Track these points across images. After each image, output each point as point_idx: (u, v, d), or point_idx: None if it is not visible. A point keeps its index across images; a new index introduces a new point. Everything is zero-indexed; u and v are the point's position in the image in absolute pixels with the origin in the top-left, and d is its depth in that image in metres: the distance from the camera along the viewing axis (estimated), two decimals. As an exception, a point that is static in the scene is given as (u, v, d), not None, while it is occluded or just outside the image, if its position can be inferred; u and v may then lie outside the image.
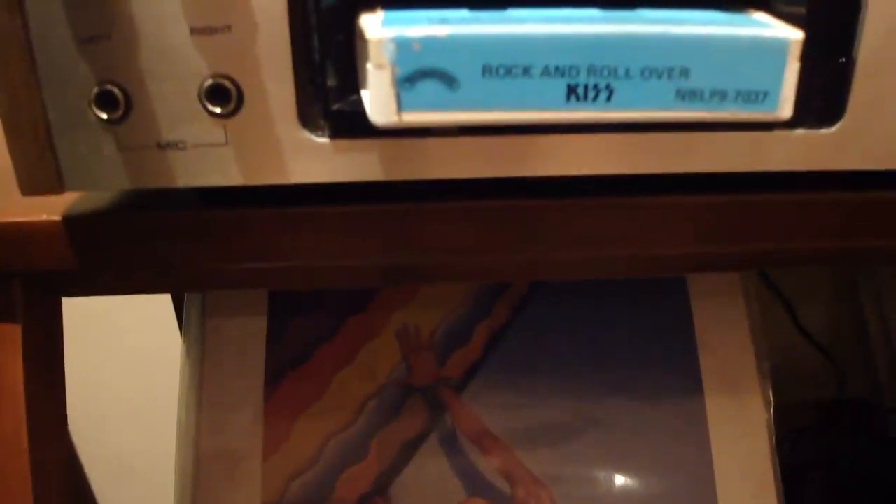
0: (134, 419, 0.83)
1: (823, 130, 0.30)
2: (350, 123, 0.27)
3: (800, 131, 0.30)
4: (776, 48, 0.24)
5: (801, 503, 0.73)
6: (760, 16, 0.27)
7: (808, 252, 0.39)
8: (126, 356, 0.83)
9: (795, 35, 0.24)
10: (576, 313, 0.57)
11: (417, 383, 0.55)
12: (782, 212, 0.34)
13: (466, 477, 0.54)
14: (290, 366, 0.55)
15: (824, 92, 0.30)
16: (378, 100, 0.23)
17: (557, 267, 0.39)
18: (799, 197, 0.34)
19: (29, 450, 0.35)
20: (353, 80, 0.27)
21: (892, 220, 0.35)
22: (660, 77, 0.23)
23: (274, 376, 0.55)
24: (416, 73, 0.22)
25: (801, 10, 0.28)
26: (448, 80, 0.23)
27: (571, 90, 0.23)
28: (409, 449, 0.54)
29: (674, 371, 0.57)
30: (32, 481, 0.35)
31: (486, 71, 0.23)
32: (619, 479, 0.55)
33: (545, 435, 0.55)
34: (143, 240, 0.32)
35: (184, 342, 0.56)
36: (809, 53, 0.28)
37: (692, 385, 0.56)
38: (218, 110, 0.27)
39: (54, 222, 0.31)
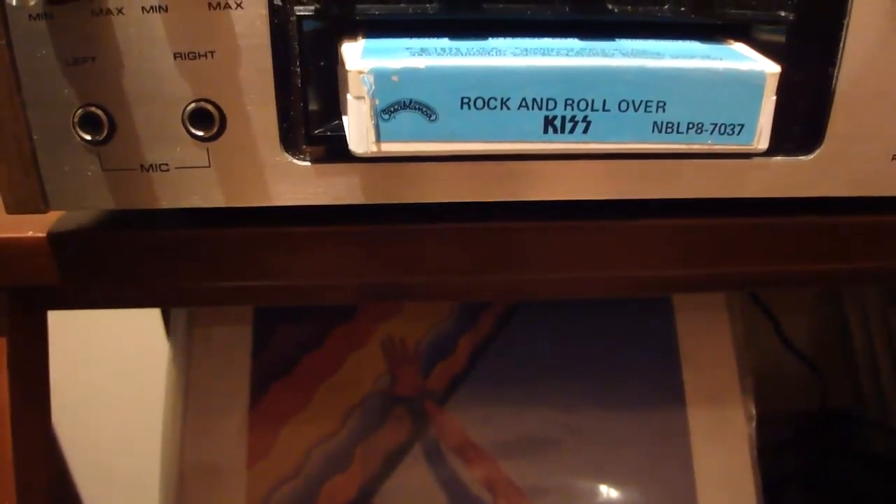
0: (120, 424, 0.83)
1: (802, 158, 0.31)
2: (332, 148, 0.27)
3: (778, 158, 0.30)
4: (752, 82, 0.24)
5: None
6: (739, 46, 0.27)
7: (789, 274, 0.39)
8: (113, 361, 0.82)
9: (772, 69, 0.24)
10: (560, 326, 0.57)
11: (402, 394, 0.55)
12: (764, 236, 0.34)
13: (449, 487, 0.54)
14: (275, 374, 0.55)
15: (803, 120, 0.30)
16: (357, 130, 0.23)
17: (541, 288, 0.39)
18: (780, 221, 0.34)
19: (14, 467, 0.35)
20: (334, 106, 0.27)
21: (870, 244, 0.35)
22: (636, 110, 0.23)
23: (259, 385, 0.55)
24: (394, 105, 0.23)
25: (781, 38, 0.29)
26: (427, 111, 0.23)
27: (549, 122, 0.23)
28: (393, 459, 0.54)
29: (657, 384, 0.57)
30: (17, 500, 0.35)
31: (465, 103, 0.23)
32: (602, 491, 0.55)
33: (528, 446, 0.55)
34: (128, 257, 0.32)
35: (170, 350, 0.56)
36: (789, 82, 0.29)
37: (675, 398, 0.57)
38: (201, 134, 0.27)
39: (39, 238, 0.31)
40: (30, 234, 0.32)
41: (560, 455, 0.55)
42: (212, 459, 0.54)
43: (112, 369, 0.82)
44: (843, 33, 0.29)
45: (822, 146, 0.30)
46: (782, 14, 0.28)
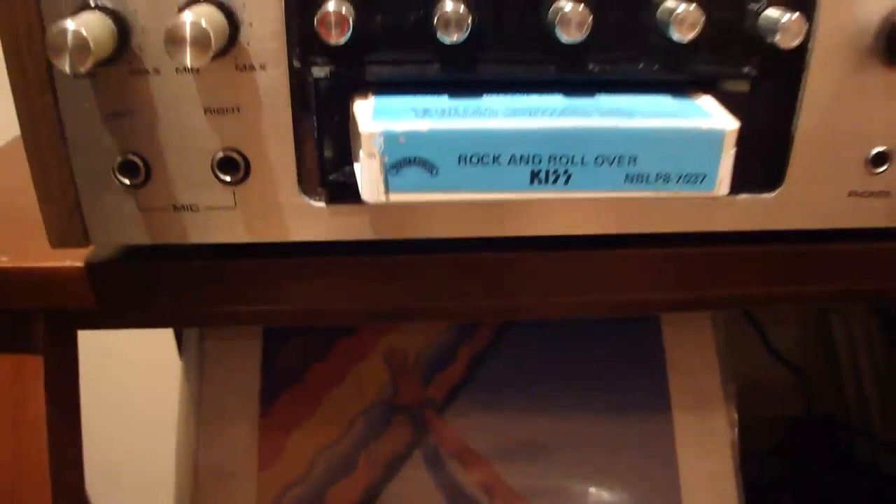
0: (131, 431, 0.87)
1: (765, 195, 0.34)
2: (344, 191, 0.31)
3: (743, 196, 0.34)
4: (713, 138, 0.28)
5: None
6: (705, 100, 0.31)
7: (761, 297, 0.43)
8: (123, 372, 0.86)
9: (731, 126, 0.28)
10: (553, 337, 0.61)
11: (403, 402, 0.59)
12: (739, 262, 0.38)
13: (448, 491, 0.58)
14: (283, 385, 0.59)
15: (765, 162, 0.34)
16: (368, 182, 0.27)
17: (529, 311, 0.43)
18: (751, 250, 0.37)
19: (50, 474, 0.38)
20: (346, 153, 0.31)
21: (832, 269, 0.39)
22: (611, 164, 0.27)
23: (268, 395, 0.58)
24: (401, 162, 0.26)
25: (745, 87, 0.33)
26: (429, 167, 0.27)
27: (534, 175, 0.27)
28: (395, 464, 0.58)
29: (644, 391, 0.61)
30: (52, 498, 0.39)
31: (462, 159, 0.27)
32: (592, 493, 0.59)
33: (523, 451, 0.59)
34: (155, 285, 0.36)
35: (183, 363, 0.60)
36: (752, 128, 0.33)
37: (661, 405, 0.61)
38: (228, 179, 0.31)
39: (78, 268, 0.35)
40: (68, 263, 0.35)
41: (553, 459, 0.59)
42: (224, 465, 0.57)
43: (122, 380, 0.86)
44: (802, 85, 0.33)
45: (784, 185, 0.34)
46: (746, 70, 0.32)
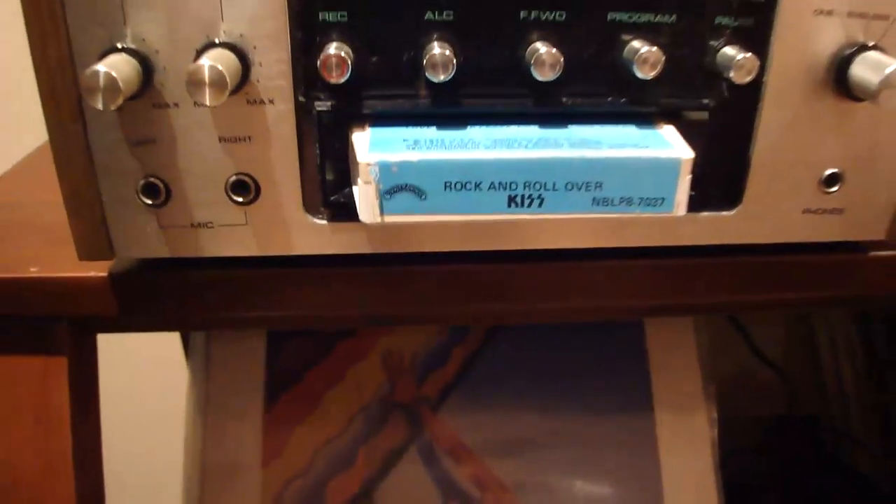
0: (138, 430, 0.91)
1: (725, 213, 0.38)
2: (344, 210, 0.35)
3: (705, 213, 0.38)
4: (670, 166, 0.32)
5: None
6: (667, 130, 0.35)
7: (729, 304, 0.47)
8: (130, 372, 0.90)
9: (687, 155, 0.32)
10: (541, 340, 0.65)
11: (399, 401, 0.63)
12: (708, 272, 0.42)
13: (442, 483, 0.62)
14: (286, 385, 0.63)
15: (725, 182, 0.38)
16: (365, 206, 0.31)
17: (522, 316, 0.47)
18: (720, 260, 0.41)
19: (73, 465, 0.42)
20: (346, 177, 0.34)
21: (789, 279, 0.42)
22: (579, 189, 0.31)
23: (271, 394, 0.62)
24: (394, 188, 0.30)
25: (704, 116, 0.36)
26: (419, 192, 0.30)
27: (511, 199, 0.31)
28: (392, 458, 0.62)
29: (628, 391, 0.65)
30: (76, 491, 0.43)
31: (447, 186, 0.30)
32: (577, 487, 0.63)
33: (513, 447, 0.63)
34: (171, 292, 0.39)
35: (190, 364, 0.64)
36: (711, 152, 0.37)
37: (644, 404, 0.65)
38: (240, 199, 0.35)
39: (101, 278, 0.39)
40: (92, 273, 0.39)
41: (541, 455, 0.63)
42: (230, 460, 0.61)
43: (129, 380, 0.90)
44: (758, 115, 0.37)
45: (742, 204, 0.38)
46: (705, 102, 0.36)
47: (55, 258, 0.40)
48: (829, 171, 0.38)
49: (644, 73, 0.32)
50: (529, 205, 0.31)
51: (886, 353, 0.78)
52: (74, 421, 0.43)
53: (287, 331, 0.63)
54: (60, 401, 0.43)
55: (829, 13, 0.35)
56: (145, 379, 0.93)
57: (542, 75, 0.32)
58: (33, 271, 0.40)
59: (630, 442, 0.64)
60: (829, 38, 0.36)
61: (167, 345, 0.85)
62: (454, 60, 0.31)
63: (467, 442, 0.63)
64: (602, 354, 0.65)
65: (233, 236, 0.36)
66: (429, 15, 0.32)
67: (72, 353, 0.43)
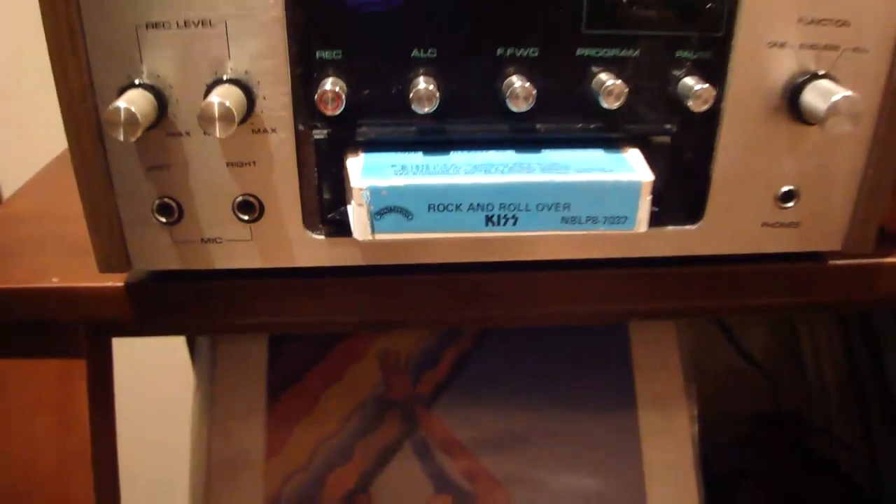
0: (146, 428, 0.95)
1: (688, 227, 0.42)
2: (340, 227, 0.39)
3: (670, 228, 0.42)
4: (632, 189, 0.36)
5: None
6: (632, 153, 0.39)
7: (697, 309, 0.51)
8: (137, 372, 0.94)
9: (647, 178, 0.36)
10: (529, 341, 0.69)
11: (394, 399, 0.67)
12: (675, 280, 0.46)
13: (435, 477, 0.66)
14: (287, 384, 0.67)
15: (688, 199, 0.42)
16: (358, 225, 0.35)
17: (508, 321, 0.51)
18: (685, 270, 0.45)
19: (92, 460, 0.46)
20: (341, 197, 0.38)
21: (750, 286, 0.46)
22: (549, 209, 0.35)
23: (274, 392, 0.67)
24: (384, 210, 0.34)
25: (667, 140, 0.40)
26: (405, 213, 0.34)
27: (489, 219, 0.35)
28: (388, 453, 0.66)
29: (613, 390, 0.69)
30: (94, 486, 0.47)
31: (431, 207, 0.34)
32: (564, 481, 0.67)
33: (502, 443, 0.67)
34: (180, 300, 0.43)
35: (196, 365, 0.68)
36: (674, 171, 0.40)
37: (628, 402, 0.69)
38: (245, 217, 0.39)
39: (118, 287, 0.43)
40: (109, 283, 0.43)
41: (529, 450, 0.67)
42: (234, 455, 0.66)
43: (137, 381, 0.94)
44: (717, 138, 0.40)
45: (704, 219, 0.42)
46: (668, 127, 0.40)
47: (75, 269, 0.44)
48: (784, 188, 0.42)
49: (609, 104, 0.36)
50: (505, 223, 0.35)
51: (863, 352, 0.82)
52: (92, 419, 0.47)
53: (287, 335, 0.67)
54: (79, 401, 0.47)
55: (783, 45, 0.39)
56: (153, 380, 0.97)
57: (517, 107, 0.36)
58: (55, 281, 0.44)
59: (614, 438, 0.68)
60: (782, 68, 0.39)
61: (173, 348, 0.89)
62: (437, 94, 0.35)
63: (459, 438, 0.67)
64: (587, 355, 0.69)
65: (239, 250, 0.40)
66: (415, 52, 0.36)
67: (90, 356, 0.47)
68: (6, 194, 0.93)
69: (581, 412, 0.68)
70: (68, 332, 0.46)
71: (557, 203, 0.35)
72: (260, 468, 0.65)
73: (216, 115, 0.33)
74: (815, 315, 0.91)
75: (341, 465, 0.66)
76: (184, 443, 0.69)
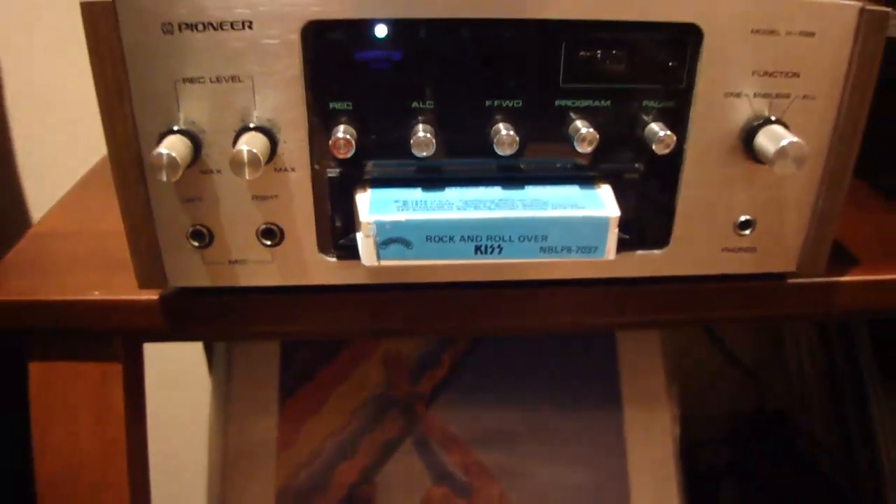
0: (168, 426, 1.02)
1: (656, 251, 0.49)
2: (350, 251, 0.46)
3: (640, 252, 0.49)
4: (601, 223, 0.42)
5: (716, 502, 0.92)
6: (604, 189, 0.45)
7: (674, 321, 0.57)
8: (155, 375, 1.01)
9: (614, 213, 0.43)
10: (521, 345, 0.76)
11: (397, 397, 0.74)
12: (650, 296, 0.52)
13: (433, 469, 0.73)
14: (298, 383, 0.74)
15: (655, 227, 0.48)
16: (366, 253, 0.42)
17: (500, 332, 0.57)
18: (659, 287, 0.52)
19: (127, 455, 0.53)
20: (351, 226, 0.45)
21: (715, 301, 0.53)
22: (529, 240, 0.42)
23: (285, 391, 0.74)
24: (387, 240, 0.41)
25: (636, 177, 0.47)
26: (406, 243, 0.41)
27: (477, 248, 0.42)
28: (390, 448, 0.74)
29: (600, 390, 0.76)
30: (128, 474, 0.53)
31: (428, 238, 0.41)
32: (553, 474, 0.74)
33: (496, 438, 0.74)
34: (208, 310, 0.50)
35: (213, 367, 0.75)
36: (642, 203, 0.47)
37: (614, 402, 0.76)
38: (268, 243, 0.45)
39: (153, 300, 0.50)
40: (145, 297, 0.50)
41: (521, 445, 0.74)
42: (249, 449, 0.73)
43: (158, 382, 1.01)
44: (680, 175, 0.47)
45: (669, 244, 0.49)
46: (636, 166, 0.46)
47: (112, 283, 0.51)
48: (742, 218, 0.49)
49: (583, 149, 0.43)
50: (491, 252, 0.42)
51: (840, 355, 0.89)
52: (127, 417, 0.54)
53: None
54: (116, 401, 0.54)
55: (738, 95, 0.45)
56: (171, 380, 1.04)
57: (503, 151, 0.42)
58: (96, 294, 0.50)
59: (601, 435, 0.75)
60: (738, 115, 0.46)
61: (192, 351, 0.96)
62: (434, 140, 0.42)
63: (456, 434, 0.74)
64: (576, 358, 0.76)
65: (261, 270, 0.46)
66: (414, 104, 0.43)
67: (125, 361, 0.54)
68: (33, 214, 1.01)
69: (570, 411, 0.75)
70: (106, 339, 0.53)
71: (536, 235, 0.42)
72: (272, 460, 0.72)
73: (245, 160, 0.40)
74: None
75: (347, 459, 0.73)
76: (203, 437, 0.76)
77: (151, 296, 0.50)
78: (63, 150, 0.97)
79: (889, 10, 0.45)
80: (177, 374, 1.00)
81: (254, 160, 0.40)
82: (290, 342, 0.74)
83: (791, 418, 0.99)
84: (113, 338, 0.53)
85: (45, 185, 1.01)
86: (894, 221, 0.62)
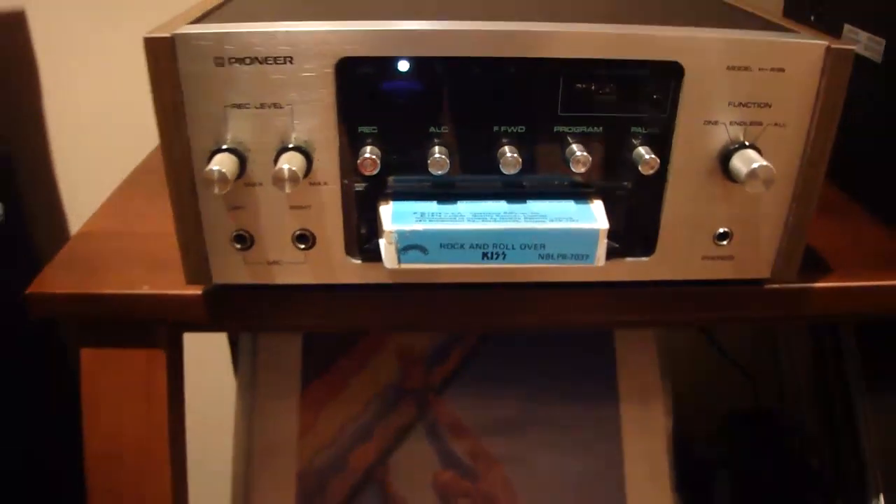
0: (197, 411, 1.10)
1: (643, 258, 0.57)
2: (373, 254, 0.54)
3: (629, 259, 0.57)
4: (592, 234, 0.50)
5: (709, 493, 1.00)
6: (596, 204, 0.53)
7: (662, 321, 0.65)
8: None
9: (604, 226, 0.51)
10: (526, 341, 0.84)
11: (409, 387, 0.83)
12: (650, 298, 0.60)
13: (442, 455, 0.82)
14: (318, 372, 0.82)
15: (642, 238, 0.56)
16: (388, 257, 0.50)
17: (508, 328, 0.66)
18: (656, 290, 0.60)
19: (168, 434, 0.62)
20: (374, 233, 0.53)
21: (698, 304, 0.61)
22: (530, 248, 0.50)
23: (306, 380, 0.82)
24: (407, 247, 0.49)
25: (625, 193, 0.55)
26: (423, 250, 0.49)
27: (484, 254, 0.50)
28: (402, 434, 0.82)
29: (598, 384, 0.84)
30: (170, 451, 0.62)
31: (442, 245, 0.49)
32: (553, 461, 0.83)
33: (501, 426, 0.83)
34: (242, 304, 0.59)
35: (240, 357, 0.84)
36: (631, 216, 0.55)
37: (611, 396, 0.84)
38: (302, 246, 0.54)
39: (197, 295, 0.58)
40: (190, 291, 0.58)
41: (524, 434, 0.83)
42: (272, 433, 0.81)
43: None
44: (664, 192, 0.55)
45: (655, 252, 0.57)
46: (625, 184, 0.54)
47: (158, 279, 0.60)
48: (720, 230, 0.57)
49: (577, 169, 0.51)
50: (496, 258, 0.50)
51: (830, 357, 0.96)
52: (169, 399, 0.62)
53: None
54: (159, 384, 0.62)
55: (716, 123, 0.53)
56: (200, 371, 1.12)
57: (508, 171, 0.50)
58: (146, 289, 0.59)
59: (598, 426, 0.83)
60: (716, 140, 0.54)
61: (216, 343, 1.05)
62: (448, 160, 0.50)
63: (464, 422, 0.83)
64: (577, 355, 0.84)
65: (295, 270, 0.55)
66: (431, 129, 0.51)
67: (168, 349, 0.62)
68: (70, 217, 1.10)
69: (570, 403, 0.83)
70: (152, 329, 0.62)
71: (536, 244, 0.50)
72: (293, 444, 0.81)
73: (286, 177, 0.49)
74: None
75: (363, 443, 0.81)
76: (229, 422, 0.84)
77: (195, 291, 0.58)
78: (96, 161, 1.07)
79: (853, 47, 0.53)
80: (202, 363, 1.09)
81: (293, 176, 0.49)
82: (310, 335, 0.83)
83: (783, 417, 1.07)
84: (157, 328, 0.61)
85: (79, 193, 1.10)
86: (870, 233, 0.70)
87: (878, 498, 0.90)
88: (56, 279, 0.60)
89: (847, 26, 0.76)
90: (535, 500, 0.82)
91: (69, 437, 1.18)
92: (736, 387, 1.09)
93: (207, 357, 1.08)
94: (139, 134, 0.99)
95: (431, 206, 0.52)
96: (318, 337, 0.83)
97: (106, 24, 1.02)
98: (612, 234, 0.52)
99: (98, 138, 1.07)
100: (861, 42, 0.73)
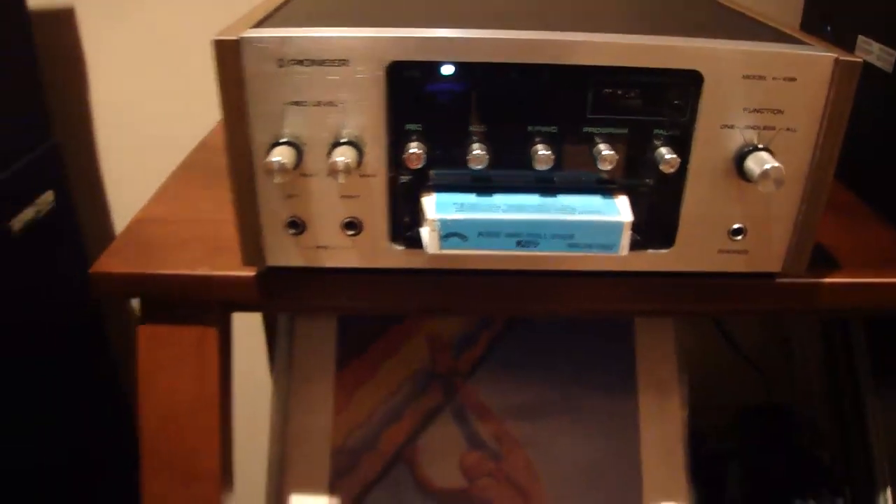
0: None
1: (663, 250, 0.62)
2: (415, 242, 0.59)
3: (650, 251, 0.62)
4: (617, 226, 0.56)
5: (721, 485, 1.05)
6: (621, 199, 0.59)
7: (681, 311, 0.71)
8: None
9: (628, 219, 0.56)
10: (550, 330, 0.89)
11: (438, 372, 0.88)
12: (670, 289, 0.66)
13: (469, 437, 0.87)
14: (352, 355, 0.88)
15: (663, 231, 0.62)
16: (430, 243, 0.56)
17: (535, 313, 0.71)
18: (675, 281, 0.65)
19: (219, 404, 0.67)
20: (417, 222, 0.59)
21: (714, 296, 0.66)
22: (560, 238, 0.56)
23: (341, 362, 0.88)
24: (448, 234, 0.55)
25: (648, 190, 0.60)
26: (462, 237, 0.55)
27: (519, 242, 0.56)
28: (431, 416, 0.88)
29: (618, 374, 0.89)
30: (219, 420, 0.68)
31: (480, 234, 0.55)
32: (573, 447, 0.88)
33: (525, 411, 0.88)
34: (287, 285, 0.64)
35: (277, 339, 0.89)
36: (652, 211, 0.61)
37: (630, 386, 0.89)
38: (350, 233, 0.60)
39: (251, 276, 0.64)
40: (244, 273, 0.64)
41: (547, 419, 0.88)
42: (308, 412, 0.87)
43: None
44: (684, 190, 0.60)
45: (675, 245, 0.62)
46: (648, 181, 0.60)
47: (212, 261, 0.65)
48: (735, 226, 0.62)
49: (603, 167, 0.57)
50: (529, 246, 0.56)
51: (840, 353, 1.01)
52: (219, 374, 0.68)
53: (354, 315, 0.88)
54: (211, 359, 0.68)
55: (732, 126, 0.58)
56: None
57: (540, 167, 0.56)
58: (202, 270, 0.65)
59: (617, 414, 0.89)
60: (732, 142, 0.59)
61: (252, 328, 1.11)
62: (486, 156, 0.56)
63: (490, 406, 0.88)
64: (598, 344, 0.90)
65: (343, 254, 0.61)
66: (471, 127, 0.57)
67: (219, 325, 0.68)
68: (113, 205, 1.17)
69: (591, 391, 0.89)
70: (205, 307, 0.67)
71: (565, 234, 0.55)
72: (329, 422, 0.87)
73: (340, 168, 0.54)
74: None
75: (394, 424, 0.87)
76: (266, 402, 0.90)
77: (249, 272, 0.64)
78: (139, 152, 1.14)
79: (860, 60, 0.58)
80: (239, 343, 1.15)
81: (347, 168, 0.54)
82: (345, 321, 0.88)
83: (794, 412, 1.11)
84: (210, 306, 0.67)
85: (122, 183, 1.17)
86: (878, 233, 0.75)
87: (886, 491, 0.94)
88: (117, 260, 0.66)
89: (861, 37, 0.81)
90: (554, 482, 0.88)
91: (110, 428, 1.24)
92: (748, 382, 1.14)
93: (241, 343, 1.14)
94: (179, 127, 1.06)
95: (470, 198, 0.57)
96: (352, 323, 0.89)
97: (151, 21, 1.08)
98: (634, 227, 0.58)
99: (141, 131, 1.14)
100: (874, 53, 0.78)
